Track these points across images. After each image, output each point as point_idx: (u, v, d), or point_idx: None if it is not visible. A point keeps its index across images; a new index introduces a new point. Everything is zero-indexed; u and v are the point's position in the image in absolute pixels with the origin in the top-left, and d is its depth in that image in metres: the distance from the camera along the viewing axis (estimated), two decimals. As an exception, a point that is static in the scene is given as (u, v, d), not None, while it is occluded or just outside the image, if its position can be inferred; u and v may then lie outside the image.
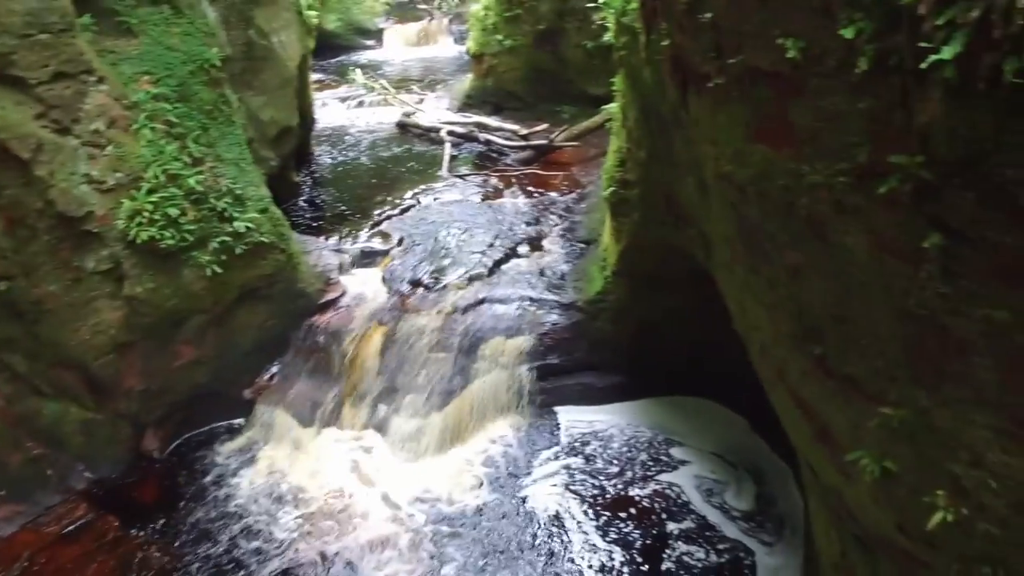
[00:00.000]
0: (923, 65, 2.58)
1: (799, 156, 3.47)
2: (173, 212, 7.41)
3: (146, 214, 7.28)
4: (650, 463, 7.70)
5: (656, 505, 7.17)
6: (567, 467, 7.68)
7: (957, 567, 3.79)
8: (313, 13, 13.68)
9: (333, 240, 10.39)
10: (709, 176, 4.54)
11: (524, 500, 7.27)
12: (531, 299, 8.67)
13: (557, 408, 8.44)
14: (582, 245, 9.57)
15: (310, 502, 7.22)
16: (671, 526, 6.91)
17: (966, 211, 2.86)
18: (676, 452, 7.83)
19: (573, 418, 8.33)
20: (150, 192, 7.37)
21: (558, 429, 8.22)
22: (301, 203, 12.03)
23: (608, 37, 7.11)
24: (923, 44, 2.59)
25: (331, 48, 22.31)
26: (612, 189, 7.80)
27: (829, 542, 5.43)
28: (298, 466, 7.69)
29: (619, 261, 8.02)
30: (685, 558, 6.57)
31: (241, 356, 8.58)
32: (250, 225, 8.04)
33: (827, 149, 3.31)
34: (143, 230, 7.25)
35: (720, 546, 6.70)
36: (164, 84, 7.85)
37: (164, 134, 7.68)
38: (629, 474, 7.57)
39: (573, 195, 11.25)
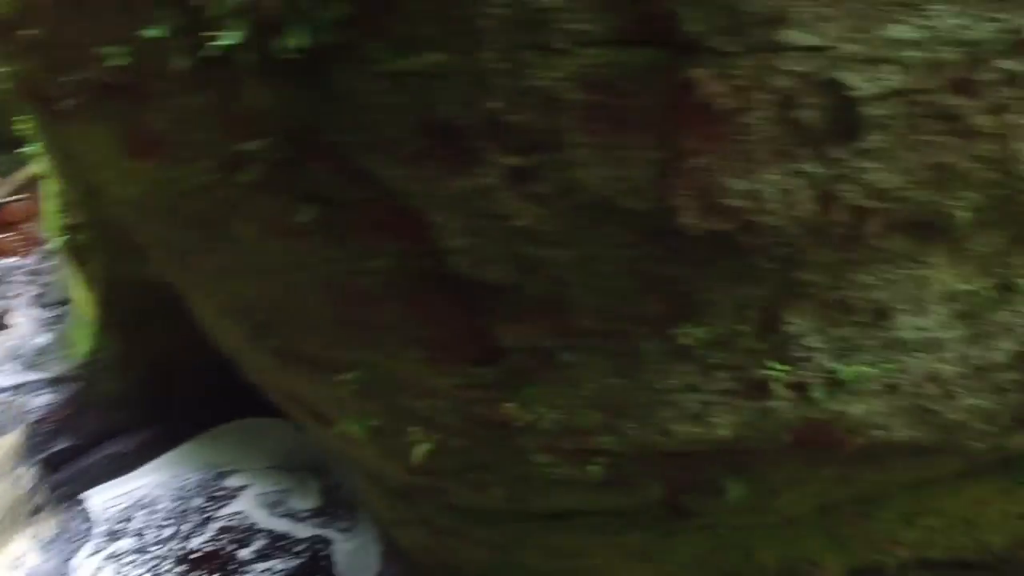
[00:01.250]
0: (210, 53, 2.61)
1: (173, 162, 3.36)
2: None
3: None
4: (207, 505, 7.24)
5: (223, 542, 6.80)
6: (113, 555, 6.78)
7: (454, 486, 4.26)
8: None
9: None
10: (111, 203, 4.21)
11: (73, 613, 6.24)
12: (10, 388, 7.34)
13: (87, 494, 7.37)
14: (59, 308, 8.38)
15: None
16: (243, 554, 6.64)
17: (323, 180, 3.06)
18: (232, 481, 7.49)
19: (108, 497, 7.36)
20: None
21: (93, 517, 7.19)
22: None
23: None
24: (207, 33, 2.62)
25: None
26: (63, 237, 6.90)
27: (381, 505, 5.72)
28: None
29: (101, 312, 7.21)
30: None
31: None
32: None
33: (193, 149, 3.24)
34: None
35: (296, 549, 6.69)
36: None
37: None
38: (187, 526, 7.01)
39: (36, 255, 9.75)
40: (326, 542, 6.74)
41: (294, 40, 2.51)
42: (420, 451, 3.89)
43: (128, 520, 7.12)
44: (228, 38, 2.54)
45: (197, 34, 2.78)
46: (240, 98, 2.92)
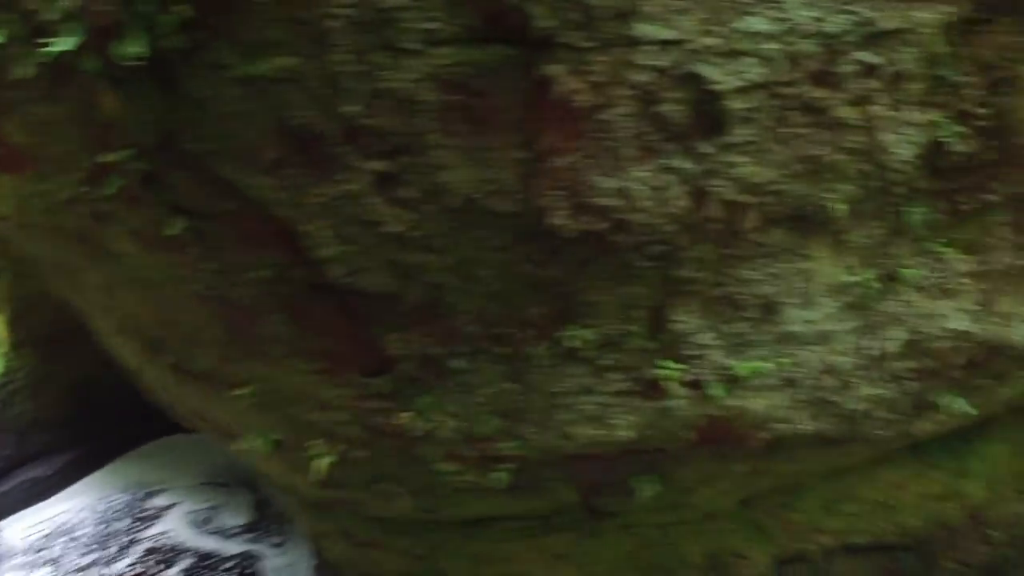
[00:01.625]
0: (48, 60, 2.47)
1: (39, 176, 3.18)
2: None
3: None
4: (133, 526, 7.01)
5: (148, 563, 6.59)
6: (32, 586, 6.52)
7: (363, 498, 4.14)
8: None
9: None
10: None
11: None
12: (-82, 414, 6.98)
13: (3, 523, 7.07)
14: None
15: None
16: (169, 574, 6.47)
17: (190, 191, 2.92)
18: (160, 500, 7.27)
19: (29, 524, 7.07)
20: None
21: (10, 547, 6.90)
22: None
23: None
24: (43, 40, 2.47)
25: None
26: (-35, 255, 6.58)
27: (304, 518, 5.57)
28: None
29: (12, 331, 6.93)
30: (190, 601, 6.22)
31: None
32: None
33: (57, 162, 3.08)
34: None
35: (224, 567, 6.50)
36: None
37: None
38: (112, 549, 6.79)
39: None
40: (255, 558, 6.54)
41: (134, 45, 2.37)
42: (323, 464, 3.78)
43: (48, 548, 6.83)
44: (61, 44, 2.39)
45: (35, 41, 2.63)
46: (95, 108, 2.77)
